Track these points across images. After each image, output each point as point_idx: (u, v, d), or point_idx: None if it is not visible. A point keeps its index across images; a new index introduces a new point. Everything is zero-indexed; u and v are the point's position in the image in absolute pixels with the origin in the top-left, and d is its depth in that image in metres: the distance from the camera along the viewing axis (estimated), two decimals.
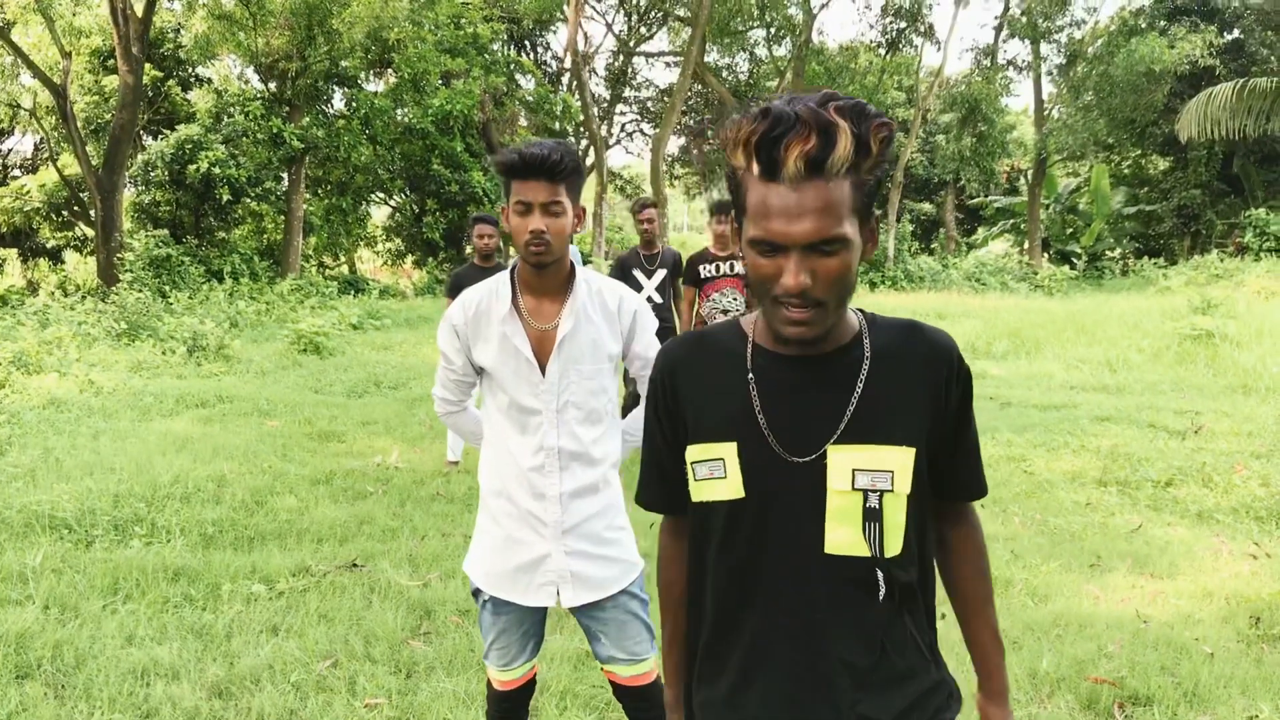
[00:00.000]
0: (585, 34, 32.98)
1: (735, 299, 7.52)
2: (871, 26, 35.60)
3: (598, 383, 2.71)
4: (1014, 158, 39.46)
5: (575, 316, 2.66)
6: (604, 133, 35.71)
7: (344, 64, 23.94)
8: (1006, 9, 32.77)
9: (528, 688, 2.91)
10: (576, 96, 31.75)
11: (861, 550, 1.58)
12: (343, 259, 31.35)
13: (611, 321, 2.73)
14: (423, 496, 6.89)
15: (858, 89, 32.32)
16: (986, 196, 40.25)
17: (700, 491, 1.69)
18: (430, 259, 27.75)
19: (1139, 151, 36.56)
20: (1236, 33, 32.25)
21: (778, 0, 30.73)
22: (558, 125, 31.46)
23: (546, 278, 2.66)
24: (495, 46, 27.28)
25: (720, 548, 1.68)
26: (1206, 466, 7.27)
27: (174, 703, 3.87)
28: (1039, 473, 7.49)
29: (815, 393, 1.60)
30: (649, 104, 40.31)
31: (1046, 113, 34.97)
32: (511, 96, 29.02)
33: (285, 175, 24.85)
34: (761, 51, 35.70)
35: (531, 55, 34.08)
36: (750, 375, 1.65)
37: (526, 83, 30.90)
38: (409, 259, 30.63)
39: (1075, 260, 34.76)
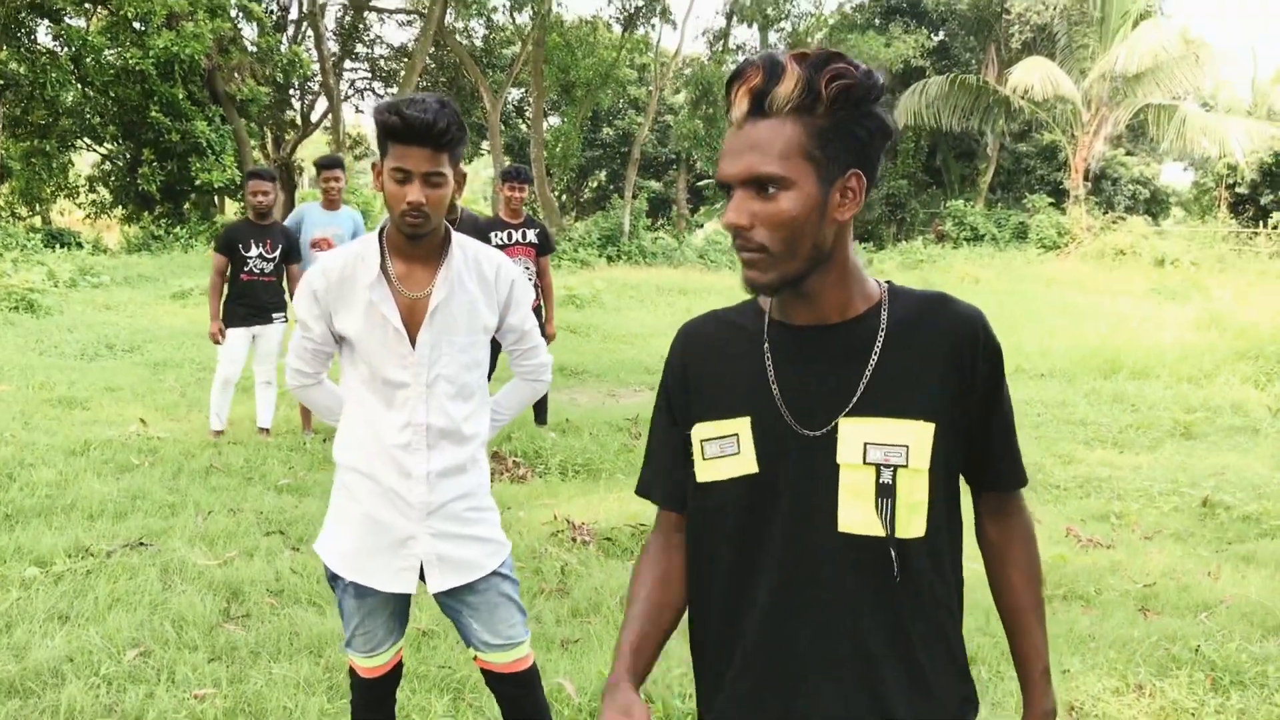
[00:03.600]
0: None
1: (528, 267, 7.42)
2: (610, 2, 35.91)
3: (471, 356, 2.56)
4: None
5: (450, 284, 2.49)
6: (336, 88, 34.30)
7: None
8: None
9: (394, 673, 2.77)
10: (307, 49, 30.35)
11: (876, 529, 1.52)
12: (39, 209, 28.62)
13: (489, 291, 2.58)
14: (197, 469, 6.42)
15: (596, 63, 32.57)
16: (714, 177, 41.62)
17: (707, 471, 1.61)
18: (145, 213, 25.71)
19: None
20: (943, 35, 34.80)
21: None
22: (282, 78, 29.94)
23: (419, 244, 2.47)
24: None
25: (730, 527, 1.61)
26: None
27: None
28: None
29: (828, 364, 1.55)
30: (381, 62, 39.06)
31: None
32: (237, 44, 27.31)
33: None
34: (501, 18, 35.35)
35: (258, 2, 32.24)
36: (766, 347, 1.60)
37: (250, 31, 29.19)
38: (118, 211, 28.28)
39: None
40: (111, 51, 22.90)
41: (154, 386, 9.04)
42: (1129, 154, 37.15)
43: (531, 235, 7.49)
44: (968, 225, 30.68)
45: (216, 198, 27.02)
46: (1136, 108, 26.86)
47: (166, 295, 15.64)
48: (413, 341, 2.48)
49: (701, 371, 1.66)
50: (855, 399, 1.53)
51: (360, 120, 49.27)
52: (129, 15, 21.93)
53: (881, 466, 1.52)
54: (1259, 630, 4.46)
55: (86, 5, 23.42)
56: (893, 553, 1.53)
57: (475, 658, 2.76)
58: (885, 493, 1.52)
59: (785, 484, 1.56)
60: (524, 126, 36.32)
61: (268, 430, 7.47)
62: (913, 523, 1.53)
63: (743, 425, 1.59)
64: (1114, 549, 5.47)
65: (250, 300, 7.24)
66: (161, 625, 4.13)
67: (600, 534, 5.46)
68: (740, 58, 35.85)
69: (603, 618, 4.42)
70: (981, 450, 1.63)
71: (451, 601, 2.66)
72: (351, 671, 2.77)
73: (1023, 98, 26.97)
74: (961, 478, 1.66)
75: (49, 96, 22.85)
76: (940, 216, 33.50)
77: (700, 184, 43.29)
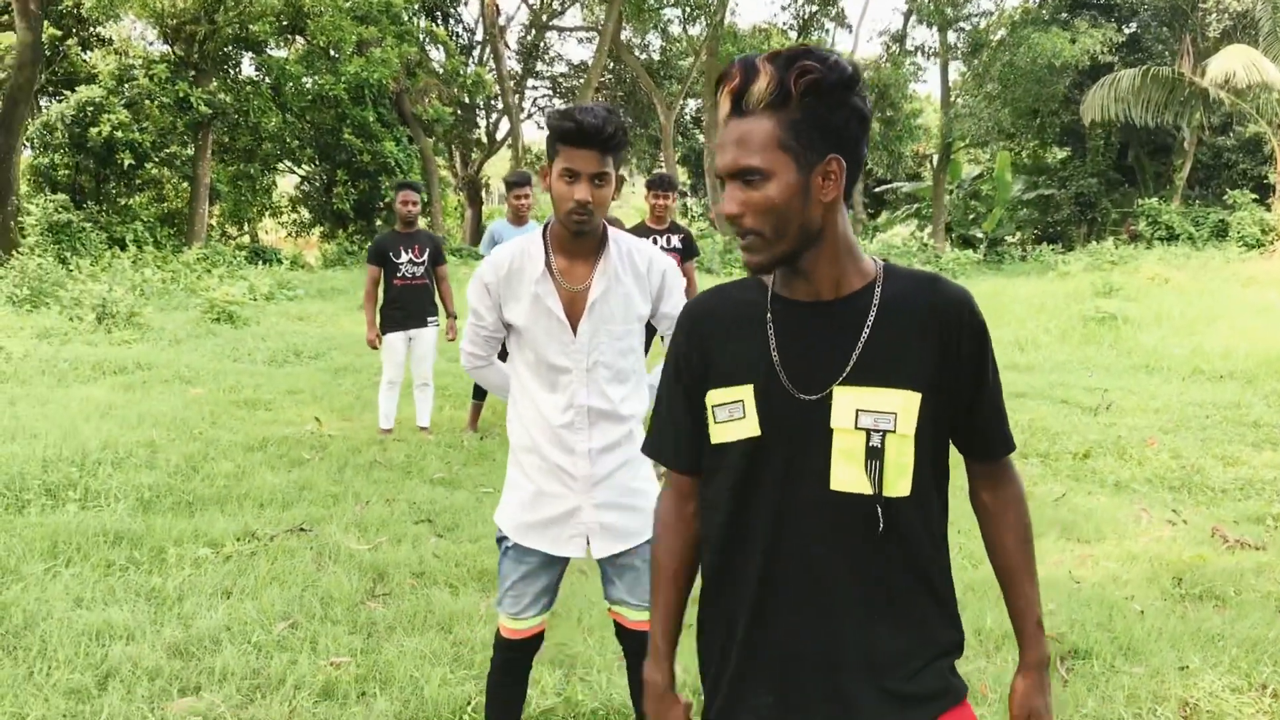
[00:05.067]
0: (498, 6, 32.62)
1: None
2: (784, 8, 35.83)
3: (627, 343, 2.77)
4: (920, 143, 40.22)
5: (607, 279, 2.71)
6: (516, 106, 35.43)
7: (253, 28, 23.34)
8: None
9: (535, 640, 2.96)
10: (489, 69, 31.47)
11: (864, 488, 1.65)
12: (246, 229, 30.64)
13: (641, 282, 2.78)
14: (361, 463, 6.86)
15: None
16: (893, 181, 40.99)
17: (720, 433, 1.76)
18: (340, 230, 27.25)
19: (1039, 141, 37.55)
20: (1134, 27, 33.28)
21: None
22: (468, 98, 31.14)
23: (581, 240, 2.70)
24: (407, 16, 26.78)
25: (736, 484, 1.74)
26: (1121, 440, 7.60)
27: (134, 662, 3.82)
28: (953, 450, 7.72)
29: (825, 336, 1.69)
30: (560, 79, 40.14)
31: (952, 100, 35.70)
32: (424, 67, 28.60)
33: (190, 141, 24.16)
34: (675, 30, 35.81)
35: (443, 25, 33.62)
36: (769, 319, 1.73)
37: (438, 54, 30.50)
38: (316, 230, 30.04)
39: (977, 245, 35.59)
40: (307, 79, 24.37)
41: (332, 389, 9.64)
42: None
43: (675, 241, 7.65)
44: (1162, 224, 29.19)
45: None
46: None
47: (354, 306, 16.53)
48: (574, 330, 2.70)
49: (711, 342, 1.80)
50: (849, 368, 1.67)
51: (542, 137, 50.55)
52: (322, 44, 23.29)
53: (871, 431, 1.65)
54: None
55: (285, 36, 24.96)
56: (878, 508, 1.66)
57: (610, 609, 2.98)
58: (874, 455, 1.65)
59: (783, 445, 1.70)
60: (700, 137, 36.61)
61: (427, 429, 7.89)
62: (899, 483, 1.66)
63: (746, 392, 1.73)
64: (1264, 551, 5.23)
65: (404, 305, 7.69)
66: (311, 601, 4.48)
67: None
68: (919, 59, 35.24)
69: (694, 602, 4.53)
70: (970, 421, 1.75)
71: (604, 562, 2.88)
72: (497, 633, 2.97)
73: (1222, 88, 25.48)
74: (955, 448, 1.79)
75: (252, 123, 24.52)
76: (1133, 216, 31.96)
77: (879, 188, 42.66)
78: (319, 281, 20.26)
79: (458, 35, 34.38)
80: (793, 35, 34.79)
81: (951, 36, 34.20)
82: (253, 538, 5.29)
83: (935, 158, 36.99)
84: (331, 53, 24.04)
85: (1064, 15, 32.79)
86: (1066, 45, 29.70)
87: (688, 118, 40.41)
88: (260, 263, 22.49)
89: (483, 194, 40.48)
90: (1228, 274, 22.31)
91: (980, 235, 36.35)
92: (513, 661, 2.98)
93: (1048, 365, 11.81)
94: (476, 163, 37.20)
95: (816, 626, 1.69)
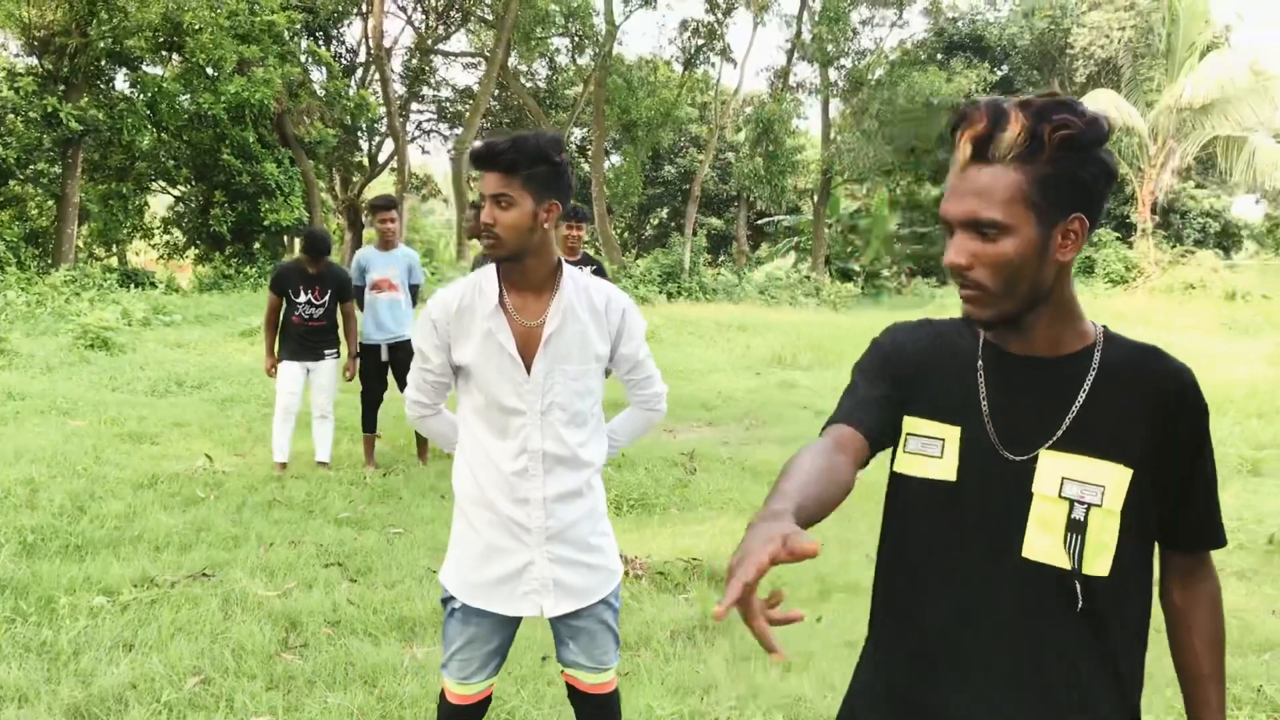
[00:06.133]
0: (383, 29, 32.15)
1: None
2: (671, 41, 36.25)
3: (584, 384, 2.64)
4: (801, 177, 41.01)
5: (562, 314, 2.58)
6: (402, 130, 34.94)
7: (129, 43, 22.50)
8: (799, 33, 34.04)
9: (483, 705, 2.81)
10: (374, 92, 30.95)
11: (1061, 560, 1.56)
12: (115, 250, 29.43)
13: (599, 320, 2.66)
14: (260, 502, 6.56)
15: (657, 102, 32.87)
16: (774, 214, 41.69)
17: (908, 464, 1.67)
18: (217, 253, 26.35)
19: (914, 177, 38.68)
20: (1006, 69, 34.60)
21: (582, 9, 30.89)
22: (350, 121, 30.56)
23: (528, 273, 2.58)
24: (289, 35, 26.15)
25: (919, 530, 1.66)
26: None
27: None
28: (870, 480, 7.75)
29: (1038, 395, 1.61)
30: (446, 104, 39.77)
31: (832, 136, 36.53)
32: (306, 88, 27.98)
33: (59, 158, 23.12)
34: (563, 60, 35.87)
35: (326, 47, 32.99)
36: (980, 366, 1.66)
37: (320, 75, 29.89)
38: (191, 252, 29.01)
39: (855, 277, 36.42)
40: (185, 97, 23.57)
41: (221, 422, 9.25)
42: (1199, 187, 36.57)
43: (588, 272, 7.57)
44: None
45: (285, 237, 27.62)
46: (1205, 140, 26.42)
47: (235, 333, 15.99)
48: (528, 369, 2.57)
49: (918, 369, 1.71)
50: (1060, 433, 1.58)
51: (426, 161, 50.05)
52: (202, 62, 22.58)
53: (1075, 502, 1.56)
54: None
55: (162, 53, 24.14)
56: (1076, 585, 1.56)
57: (563, 672, 2.85)
58: (1075, 528, 1.56)
59: (978, 500, 1.61)
60: (586, 165, 36.65)
61: (327, 464, 7.61)
62: (1098, 561, 1.56)
63: (952, 433, 1.64)
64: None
65: (300, 340, 7.42)
66: (221, 654, 4.22)
67: (653, 568, 5.48)
68: (800, 95, 35.96)
69: (652, 651, 4.44)
70: (1178, 507, 1.63)
71: (556, 622, 2.74)
72: (441, 696, 2.82)
73: None
74: None
75: (126, 141, 23.57)
76: None
77: (760, 221, 43.32)
78: (196, 306, 19.53)
79: (341, 57, 33.79)
80: (678, 69, 35.16)
81: (833, 74, 35.02)
82: (152, 584, 4.99)
83: (816, 192, 37.76)
84: (210, 71, 23.29)
85: (940, 56, 33.95)
86: (943, 84, 30.76)
87: (572, 146, 40.40)
88: (133, 286, 21.58)
89: (364, 218, 39.78)
90: (1097, 308, 23.24)
91: (858, 268, 37.21)
92: None
93: None
94: (357, 186, 36.54)
95: (988, 696, 1.60)
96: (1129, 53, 30.64)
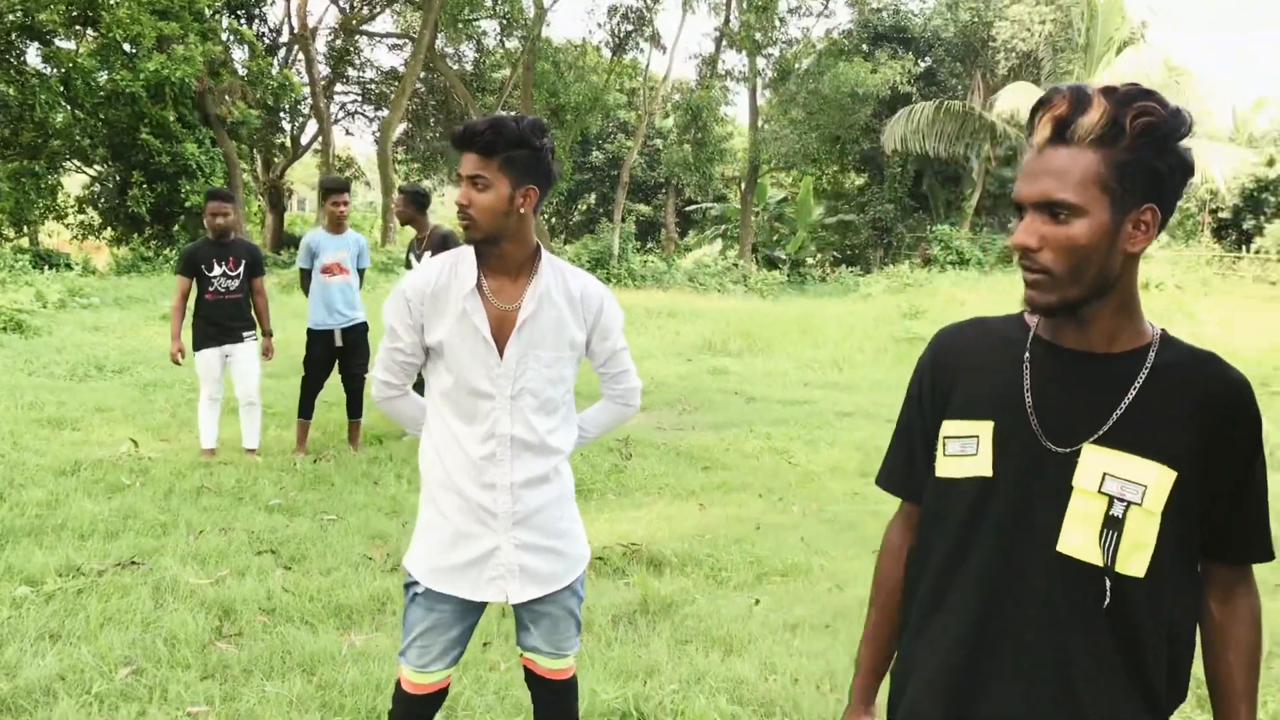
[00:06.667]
0: (307, 8, 31.60)
1: None
2: (600, 26, 36.06)
3: (556, 371, 2.62)
4: (728, 165, 41.18)
5: (538, 299, 2.56)
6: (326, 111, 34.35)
7: (41, 17, 21.79)
8: (727, 20, 34.11)
9: (440, 695, 2.79)
10: (298, 72, 30.43)
11: (1094, 557, 1.56)
12: (26, 230, 28.52)
13: (575, 307, 2.63)
14: (188, 489, 6.41)
15: (585, 87, 32.72)
16: (701, 202, 41.83)
17: (946, 467, 1.69)
18: (135, 235, 25.67)
19: (840, 167, 39.09)
20: (930, 61, 35.06)
21: None
22: (273, 101, 29.98)
23: (505, 256, 2.56)
24: (210, 12, 25.49)
25: (954, 525, 1.67)
26: None
27: None
28: (803, 465, 7.89)
29: (1086, 389, 1.60)
30: (371, 85, 39.18)
31: (760, 124, 36.72)
32: (228, 67, 27.36)
33: None
34: (491, 42, 35.53)
35: (248, 25, 32.27)
36: (1026, 358, 1.66)
37: (242, 54, 29.24)
38: (107, 233, 28.21)
39: (781, 266, 36.71)
40: (101, 74, 22.91)
41: (144, 407, 9.03)
42: None
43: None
44: (953, 249, 30.78)
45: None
46: None
47: (156, 316, 15.60)
48: (500, 353, 2.54)
49: (956, 372, 1.73)
50: (1106, 428, 1.58)
51: (350, 143, 49.28)
52: (119, 38, 21.96)
53: (1115, 499, 1.56)
54: None
55: (76, 28, 23.43)
56: (1107, 582, 1.55)
57: (522, 655, 2.84)
58: (1113, 525, 1.56)
59: (1014, 492, 1.61)
60: None
61: (255, 451, 7.47)
62: (1133, 561, 1.56)
63: (985, 428, 1.65)
64: None
65: (216, 320, 7.21)
66: (154, 643, 4.13)
67: (592, 554, 5.47)
68: (728, 83, 36.07)
69: (594, 636, 4.44)
70: (1224, 516, 1.61)
71: (520, 607, 2.72)
72: (398, 684, 2.79)
73: (1008, 122, 27.18)
74: None
75: (38, 118, 22.85)
76: (926, 241, 33.64)
77: (689, 208, 43.43)
78: (114, 289, 19.03)
79: (264, 36, 33.10)
80: (607, 54, 35.03)
81: (761, 63, 35.17)
82: (78, 573, 4.86)
83: (743, 180, 37.96)
84: (128, 48, 22.65)
85: (865, 47, 34.28)
86: (868, 75, 31.05)
87: None
88: (46, 267, 20.97)
89: (285, 199, 39.08)
90: (1016, 297, 23.34)
91: (784, 256, 37.51)
92: (413, 718, 2.79)
93: (865, 384, 12.24)
94: (280, 167, 35.89)
95: (1017, 697, 1.61)
96: (1049, 46, 31.21)
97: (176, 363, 7.29)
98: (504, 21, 32.74)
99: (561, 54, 32.74)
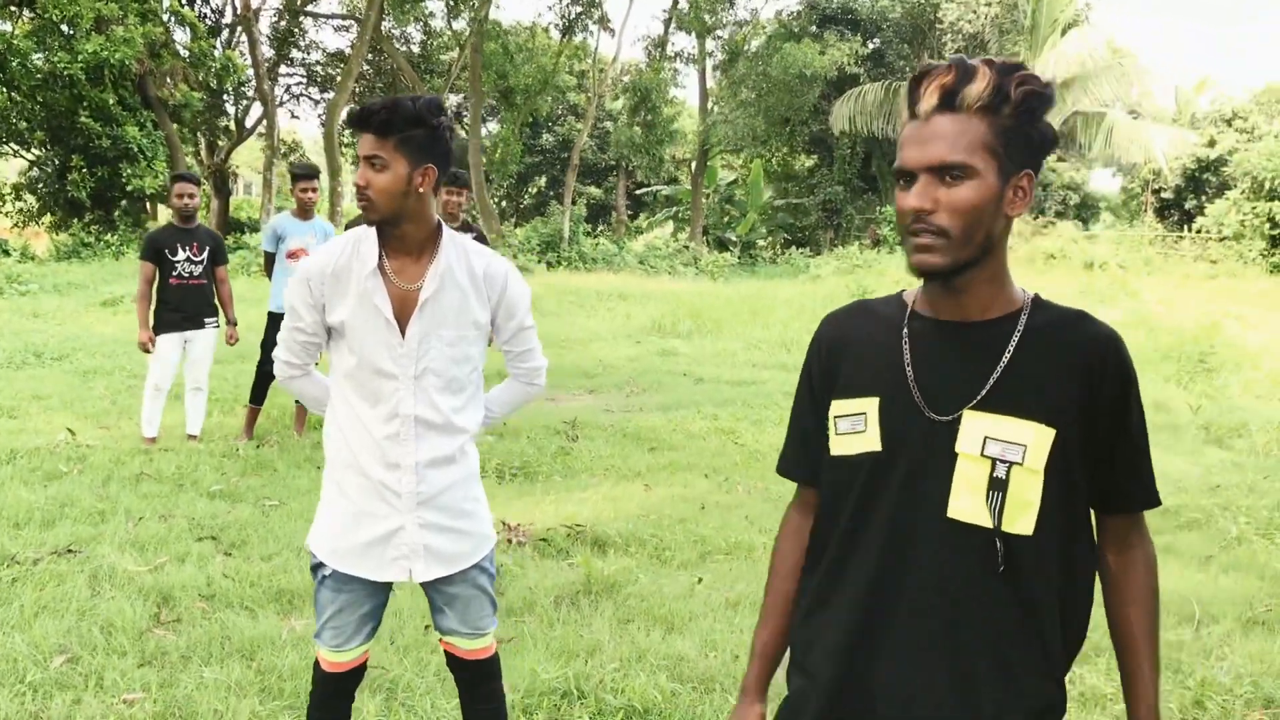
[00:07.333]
0: None
1: None
2: (550, 8, 35.84)
3: (460, 350, 2.61)
4: (678, 147, 41.16)
5: (440, 279, 2.55)
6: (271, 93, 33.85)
7: None
8: (676, 2, 34.04)
9: (358, 672, 2.78)
10: (241, 54, 29.95)
11: (983, 519, 1.59)
12: None
13: (478, 286, 2.62)
14: (127, 476, 6.33)
15: (534, 69, 32.51)
16: (651, 184, 41.80)
17: (839, 445, 1.72)
18: (75, 220, 25.20)
19: (789, 149, 39.20)
20: (878, 42, 35.24)
21: None
22: (216, 83, 29.51)
23: (405, 237, 2.55)
24: None
25: (851, 500, 1.70)
26: None
27: None
28: (749, 445, 7.94)
29: (963, 357, 1.65)
30: (316, 67, 38.66)
31: (709, 106, 36.73)
32: (169, 49, 26.88)
33: None
34: (439, 24, 35.21)
35: (190, 6, 31.72)
36: (905, 334, 1.70)
37: (183, 35, 28.73)
38: (46, 219, 27.68)
39: (731, 247, 36.80)
40: (38, 56, 22.43)
41: (83, 394, 8.90)
42: (1060, 160, 37.91)
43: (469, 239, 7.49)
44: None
45: (148, 204, 26.59)
46: (1065, 115, 27.36)
47: (96, 302, 15.38)
48: (403, 333, 2.54)
49: (841, 353, 1.77)
50: (983, 393, 1.62)
51: (296, 126, 48.61)
52: (56, 19, 21.51)
53: (998, 461, 1.59)
54: (1174, 618, 4.61)
55: (11, 8, 22.91)
56: (998, 543, 1.59)
57: (441, 640, 2.83)
58: (997, 486, 1.59)
59: (904, 464, 1.65)
60: (463, 132, 36.13)
61: (197, 437, 7.39)
62: (1020, 520, 1.59)
63: (871, 405, 1.69)
64: None
65: (180, 306, 7.17)
66: (90, 631, 4.08)
67: (536, 535, 5.49)
68: (677, 65, 36.00)
69: (537, 617, 4.45)
70: (1107, 469, 1.66)
71: (430, 589, 2.72)
72: (316, 665, 2.78)
73: None
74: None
75: None
76: (875, 222, 33.91)
77: (640, 191, 43.36)
78: (53, 275, 18.70)
79: (206, 17, 32.54)
80: (556, 35, 34.83)
81: (710, 44, 35.17)
82: (12, 561, 4.79)
83: (693, 162, 37.97)
84: (66, 29, 22.19)
85: (814, 29, 34.37)
86: (816, 57, 31.13)
87: (449, 113, 39.74)
88: None
89: (231, 183, 38.50)
90: None
91: (734, 238, 37.63)
92: (335, 695, 2.80)
93: None
94: (224, 151, 35.33)
95: (912, 663, 1.64)
96: (995, 28, 31.51)
97: (146, 350, 7.19)
98: (451, 3, 32.42)
99: (510, 36, 32.51)
